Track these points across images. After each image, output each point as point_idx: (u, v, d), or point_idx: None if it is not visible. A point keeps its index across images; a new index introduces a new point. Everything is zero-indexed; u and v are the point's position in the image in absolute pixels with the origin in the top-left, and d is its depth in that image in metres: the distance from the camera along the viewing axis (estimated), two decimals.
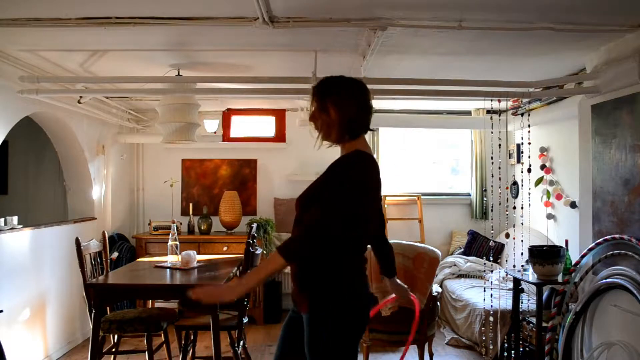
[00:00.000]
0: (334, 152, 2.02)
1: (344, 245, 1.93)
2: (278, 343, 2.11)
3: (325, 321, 1.91)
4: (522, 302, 3.83)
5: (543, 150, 5.05)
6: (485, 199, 5.92)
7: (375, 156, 5.86)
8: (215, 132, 5.91)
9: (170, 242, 3.87)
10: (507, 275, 4.56)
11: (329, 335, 1.90)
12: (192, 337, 3.79)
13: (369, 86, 4.09)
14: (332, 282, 1.93)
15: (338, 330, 1.91)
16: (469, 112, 5.88)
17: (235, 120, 6.13)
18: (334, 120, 1.98)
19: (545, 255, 3.49)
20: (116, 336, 3.68)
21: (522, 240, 4.24)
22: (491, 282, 4.70)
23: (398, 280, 2.39)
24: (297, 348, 2.01)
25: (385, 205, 5.86)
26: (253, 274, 2.03)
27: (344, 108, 1.99)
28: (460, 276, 5.29)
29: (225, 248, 5.31)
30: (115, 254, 4.98)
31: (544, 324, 3.50)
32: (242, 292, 1.96)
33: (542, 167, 5.01)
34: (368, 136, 2.15)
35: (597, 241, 3.33)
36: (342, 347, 1.92)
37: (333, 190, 1.88)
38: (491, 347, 4.09)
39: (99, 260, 3.78)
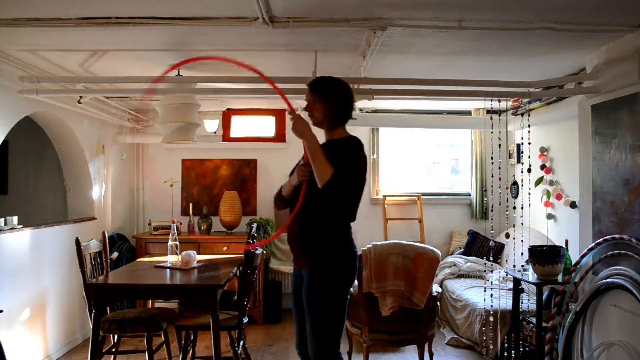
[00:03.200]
0: None
1: (349, 214, 2.45)
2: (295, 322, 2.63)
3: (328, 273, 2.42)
4: (522, 302, 3.83)
5: (543, 150, 5.05)
6: (485, 199, 5.92)
7: (375, 156, 6.00)
8: (215, 132, 5.91)
9: (170, 242, 3.87)
10: (507, 275, 4.56)
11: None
12: (192, 337, 3.79)
13: (369, 86, 4.10)
14: (336, 242, 2.45)
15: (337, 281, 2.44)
16: (469, 112, 5.88)
17: (235, 120, 6.12)
18: (327, 110, 2.51)
19: (545, 255, 3.49)
20: (116, 336, 3.68)
21: (522, 240, 4.24)
22: (491, 282, 4.71)
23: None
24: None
25: (385, 205, 5.87)
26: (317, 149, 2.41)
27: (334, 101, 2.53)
28: (460, 276, 5.29)
29: (225, 248, 5.31)
30: (115, 254, 4.98)
31: (544, 324, 3.50)
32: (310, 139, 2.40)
33: (542, 167, 5.01)
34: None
35: (597, 241, 3.33)
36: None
37: (353, 169, 2.38)
38: (491, 347, 4.09)
39: (99, 260, 3.79)
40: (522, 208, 4.45)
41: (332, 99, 2.51)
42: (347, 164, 2.36)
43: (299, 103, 5.39)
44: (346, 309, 2.48)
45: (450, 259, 5.57)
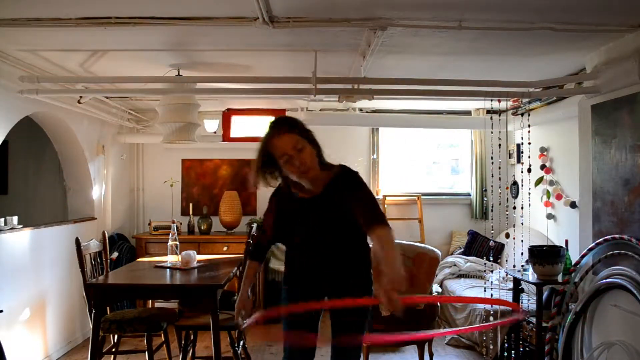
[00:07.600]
0: None
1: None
2: None
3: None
4: (522, 302, 3.83)
5: (543, 150, 5.05)
6: (485, 199, 5.92)
7: (375, 156, 5.99)
8: (215, 132, 5.90)
9: (170, 242, 3.87)
10: (507, 275, 4.56)
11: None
12: (192, 337, 3.79)
13: (369, 86, 4.10)
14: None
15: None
16: (469, 112, 5.88)
17: (235, 120, 6.11)
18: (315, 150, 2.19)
19: (545, 255, 3.49)
20: (116, 336, 3.68)
21: (522, 240, 4.24)
22: (491, 282, 4.70)
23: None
24: None
25: (386, 205, 5.87)
26: (395, 258, 2.02)
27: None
28: (460, 276, 5.29)
29: (225, 248, 5.31)
30: (115, 254, 4.98)
31: (544, 324, 3.50)
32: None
33: (542, 167, 5.01)
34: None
35: (597, 241, 3.32)
36: None
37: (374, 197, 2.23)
38: (491, 347, 4.09)
39: (99, 260, 3.79)
40: (522, 208, 4.45)
41: (311, 136, 2.19)
42: (371, 197, 2.19)
43: (299, 103, 5.42)
44: None
45: (450, 259, 5.57)
